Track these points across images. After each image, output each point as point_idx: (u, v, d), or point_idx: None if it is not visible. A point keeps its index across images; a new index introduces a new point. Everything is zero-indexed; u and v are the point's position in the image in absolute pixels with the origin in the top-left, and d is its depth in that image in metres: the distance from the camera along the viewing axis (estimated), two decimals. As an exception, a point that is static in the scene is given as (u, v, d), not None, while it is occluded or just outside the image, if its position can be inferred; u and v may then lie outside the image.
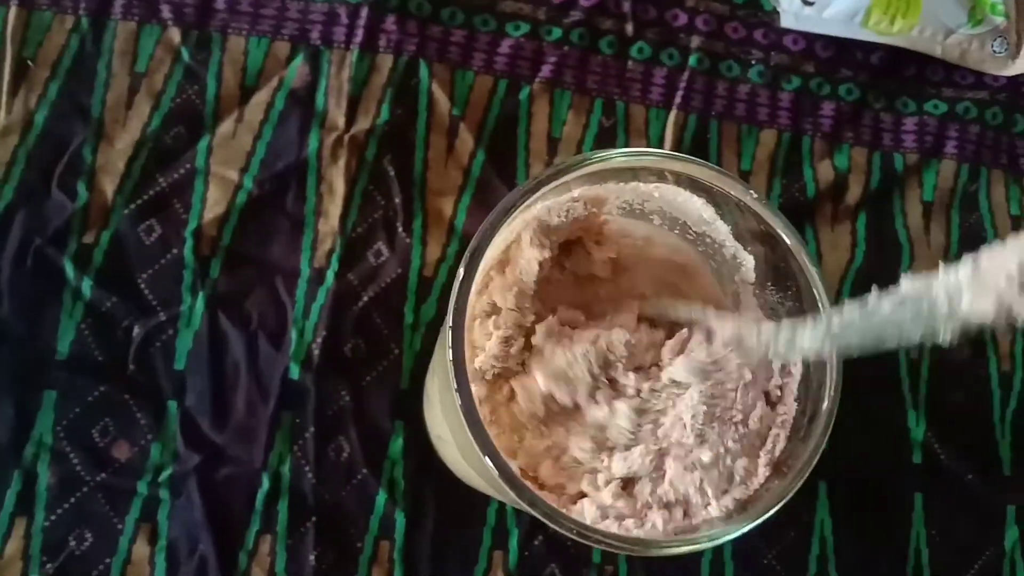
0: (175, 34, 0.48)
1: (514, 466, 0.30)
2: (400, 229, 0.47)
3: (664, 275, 0.35)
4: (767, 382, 0.33)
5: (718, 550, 0.45)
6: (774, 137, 0.51)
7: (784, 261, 0.32)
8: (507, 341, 0.31)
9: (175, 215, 0.46)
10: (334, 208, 0.47)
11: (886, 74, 0.53)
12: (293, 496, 0.43)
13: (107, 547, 0.42)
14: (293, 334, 0.45)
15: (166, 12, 0.48)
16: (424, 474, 0.44)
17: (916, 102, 0.53)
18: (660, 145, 0.50)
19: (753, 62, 0.52)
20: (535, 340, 0.32)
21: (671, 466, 0.30)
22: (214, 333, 0.45)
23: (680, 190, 0.33)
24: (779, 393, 0.33)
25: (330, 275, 0.46)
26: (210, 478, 0.43)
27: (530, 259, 0.32)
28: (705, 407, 0.30)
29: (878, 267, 0.50)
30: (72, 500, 0.42)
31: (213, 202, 0.46)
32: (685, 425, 0.30)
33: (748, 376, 0.31)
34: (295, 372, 0.44)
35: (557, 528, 0.27)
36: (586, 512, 0.30)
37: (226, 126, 0.47)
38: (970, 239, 0.51)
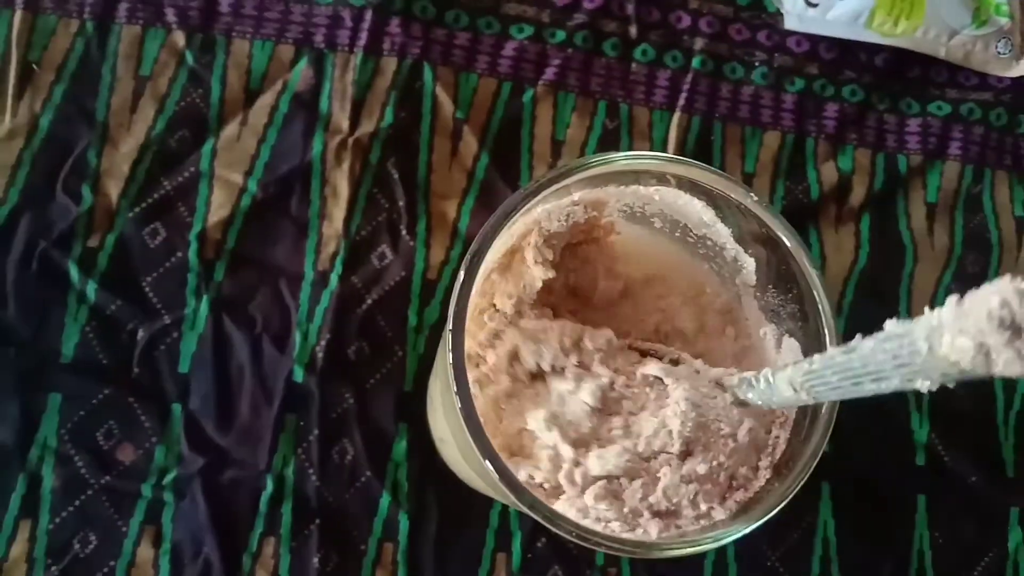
0: (179, 38, 0.48)
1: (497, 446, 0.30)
2: (404, 232, 0.47)
3: (669, 319, 0.36)
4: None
5: (721, 552, 0.45)
6: (778, 139, 0.51)
7: (785, 264, 0.32)
8: (497, 335, 0.32)
9: (179, 218, 0.46)
10: (338, 211, 0.47)
11: (890, 75, 0.53)
12: (297, 498, 0.44)
13: (111, 550, 0.42)
14: (297, 337, 0.45)
15: (170, 16, 0.48)
16: (428, 476, 0.44)
17: (920, 103, 0.53)
18: (664, 147, 0.50)
19: (757, 64, 0.52)
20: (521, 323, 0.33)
21: (665, 475, 0.30)
22: (218, 336, 0.45)
23: (681, 193, 0.33)
24: None
25: (334, 278, 0.46)
26: (214, 481, 0.43)
27: (535, 277, 0.32)
28: (694, 414, 0.30)
29: (882, 269, 0.50)
30: (76, 503, 0.43)
31: (217, 205, 0.46)
32: (671, 432, 0.30)
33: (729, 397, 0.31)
34: (299, 375, 0.45)
35: (557, 531, 0.27)
36: (564, 512, 0.30)
37: (230, 129, 0.47)
38: (974, 240, 0.51)
